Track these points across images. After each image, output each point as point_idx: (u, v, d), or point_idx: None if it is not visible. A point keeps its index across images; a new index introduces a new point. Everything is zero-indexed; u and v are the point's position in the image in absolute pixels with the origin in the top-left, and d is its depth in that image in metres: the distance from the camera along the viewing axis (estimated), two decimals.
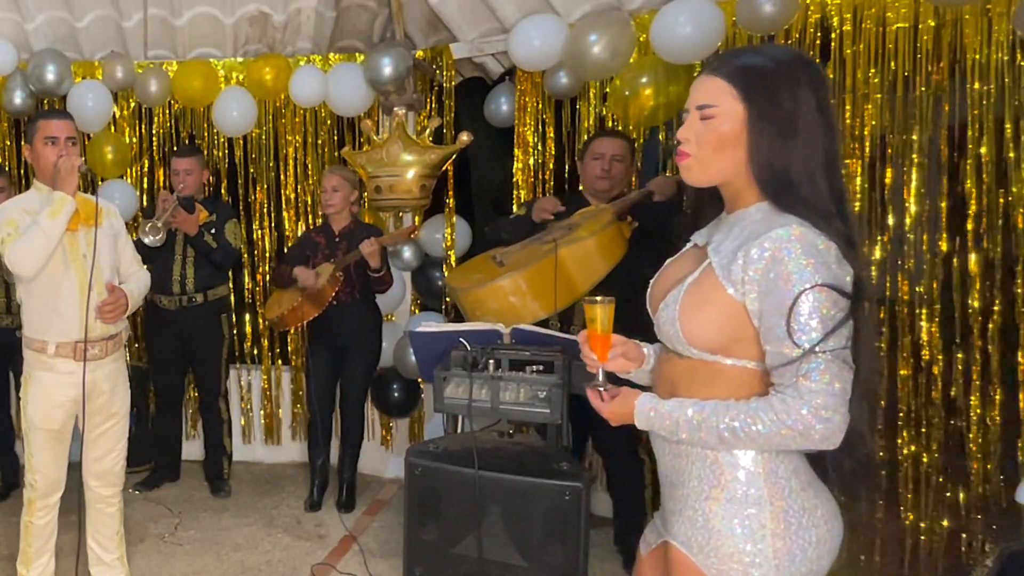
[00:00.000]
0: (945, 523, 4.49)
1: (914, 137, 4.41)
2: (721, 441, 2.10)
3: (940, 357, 4.41)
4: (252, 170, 6.72)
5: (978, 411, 4.35)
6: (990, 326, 4.31)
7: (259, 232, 6.76)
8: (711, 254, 2.15)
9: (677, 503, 2.26)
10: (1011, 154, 4.20)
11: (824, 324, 1.96)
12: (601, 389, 2.35)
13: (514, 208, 5.80)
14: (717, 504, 2.15)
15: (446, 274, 6.17)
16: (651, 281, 2.44)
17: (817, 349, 1.96)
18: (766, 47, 2.50)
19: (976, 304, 4.30)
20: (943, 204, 4.40)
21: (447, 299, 6.28)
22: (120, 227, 4.30)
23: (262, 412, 6.95)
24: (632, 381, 2.47)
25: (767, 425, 2.02)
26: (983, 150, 4.26)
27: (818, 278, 1.96)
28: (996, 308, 4.30)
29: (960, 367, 4.38)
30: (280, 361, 6.92)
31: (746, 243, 2.05)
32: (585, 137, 5.41)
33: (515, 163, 5.83)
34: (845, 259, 2.02)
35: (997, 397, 4.32)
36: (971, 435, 4.37)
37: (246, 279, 6.84)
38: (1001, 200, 4.26)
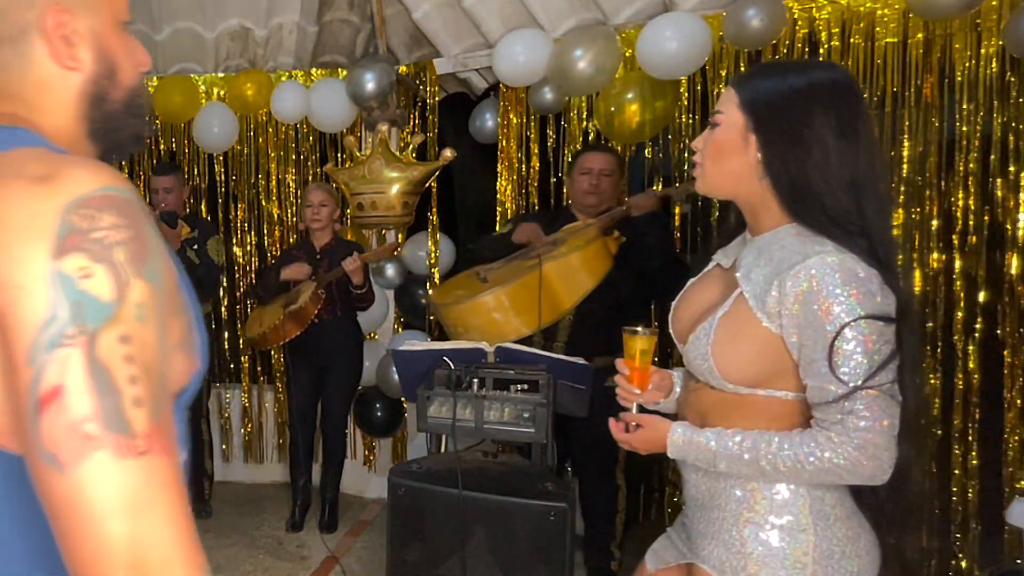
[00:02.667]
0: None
1: (904, 153, 4.39)
2: (762, 474, 2.03)
3: (933, 376, 4.39)
4: (233, 186, 6.66)
5: (960, 430, 4.33)
6: (970, 346, 4.30)
7: (239, 249, 6.70)
8: (742, 283, 2.05)
9: (710, 526, 2.18)
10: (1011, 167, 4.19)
11: (870, 358, 1.88)
12: (627, 420, 2.28)
13: (497, 225, 5.77)
14: (758, 529, 2.08)
15: (430, 291, 6.14)
16: (672, 305, 2.35)
17: (864, 385, 1.89)
18: (799, 63, 2.47)
19: (960, 323, 4.29)
20: (933, 220, 4.37)
21: (430, 317, 6.23)
22: None
23: (243, 431, 6.88)
24: (658, 411, 2.40)
25: (813, 463, 1.94)
26: (972, 166, 4.24)
27: (861, 310, 1.88)
28: (978, 325, 4.28)
29: (940, 384, 4.37)
30: (261, 380, 6.86)
31: (780, 272, 1.96)
32: (569, 152, 5.40)
33: (499, 179, 5.79)
34: (887, 286, 1.93)
35: (977, 415, 4.30)
36: (955, 454, 4.35)
37: (223, 297, 6.75)
38: (987, 217, 4.25)
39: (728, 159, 2.09)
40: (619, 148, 5.24)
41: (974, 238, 4.26)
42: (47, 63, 1.23)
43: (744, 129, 2.05)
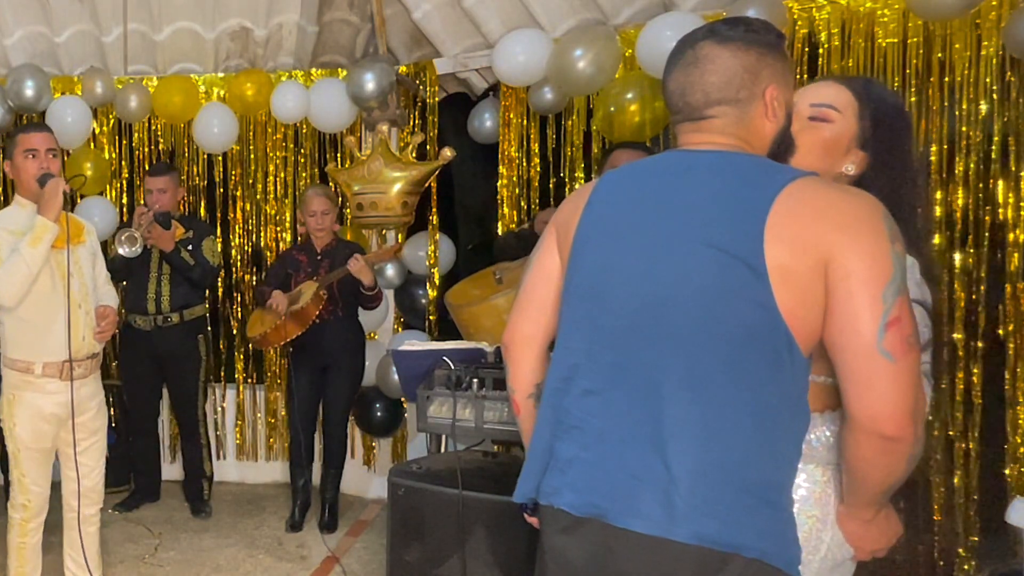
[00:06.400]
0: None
1: None
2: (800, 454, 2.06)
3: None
4: (232, 187, 6.66)
5: (962, 429, 4.32)
6: (975, 346, 4.30)
7: (239, 250, 6.70)
8: None
9: None
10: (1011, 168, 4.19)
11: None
12: None
13: (498, 226, 5.77)
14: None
15: (430, 292, 6.15)
16: None
17: None
18: (884, 85, 2.65)
19: (961, 323, 4.28)
20: (933, 220, 4.36)
21: (430, 317, 6.24)
22: (97, 246, 4.30)
23: (238, 431, 6.88)
24: None
25: None
26: (972, 166, 4.24)
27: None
28: (980, 325, 4.28)
29: (945, 385, 4.36)
30: (261, 380, 6.85)
31: None
32: (570, 152, 5.40)
33: (499, 179, 5.78)
34: (925, 277, 2.08)
35: (978, 416, 4.30)
36: (958, 453, 4.34)
37: (221, 296, 6.75)
38: (988, 218, 4.24)
39: (825, 157, 2.24)
40: None
41: (974, 237, 4.26)
42: (760, 117, 2.06)
43: (852, 140, 2.22)
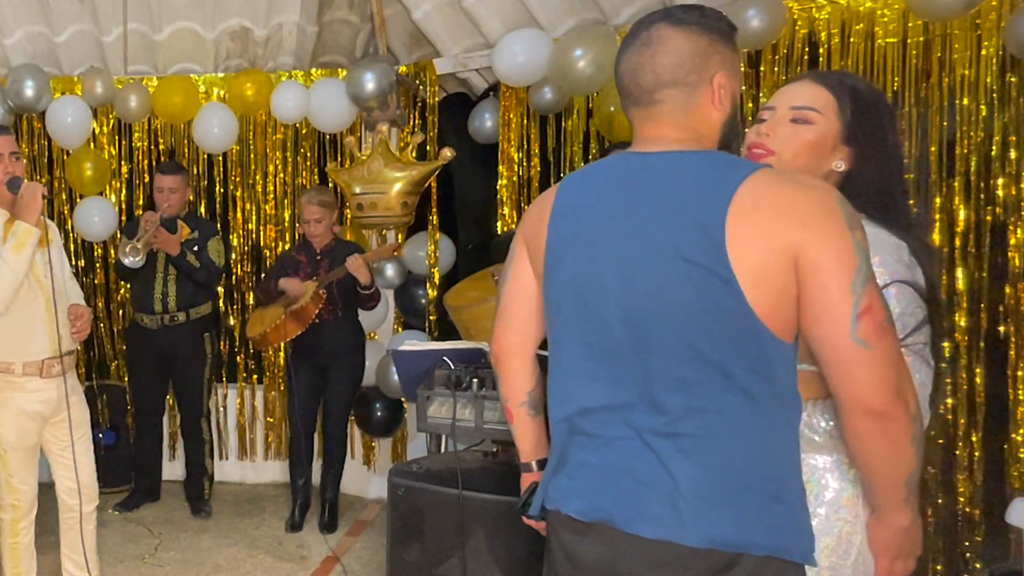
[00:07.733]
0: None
1: (904, 153, 4.37)
2: (805, 442, 2.09)
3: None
4: (233, 187, 6.66)
5: (964, 429, 4.32)
6: (977, 345, 4.29)
7: (238, 250, 6.70)
8: None
9: None
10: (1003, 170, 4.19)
11: (902, 320, 1.99)
12: None
13: (498, 226, 5.77)
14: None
15: (430, 292, 6.15)
16: None
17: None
18: (859, 77, 2.66)
19: (963, 323, 4.27)
20: (934, 220, 4.36)
21: (431, 317, 6.24)
22: (61, 243, 4.33)
23: (239, 431, 6.87)
24: None
25: None
26: (972, 166, 4.24)
27: (888, 275, 2.02)
28: (982, 325, 4.27)
29: (949, 382, 4.35)
30: (261, 380, 6.85)
31: None
32: (570, 152, 5.40)
33: (499, 180, 5.78)
34: (914, 258, 2.09)
35: (980, 416, 4.29)
36: (958, 453, 4.34)
37: (221, 296, 6.75)
38: (988, 218, 4.24)
39: (813, 158, 2.24)
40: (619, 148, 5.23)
41: (975, 237, 4.26)
42: (707, 104, 2.04)
43: (836, 138, 2.23)
